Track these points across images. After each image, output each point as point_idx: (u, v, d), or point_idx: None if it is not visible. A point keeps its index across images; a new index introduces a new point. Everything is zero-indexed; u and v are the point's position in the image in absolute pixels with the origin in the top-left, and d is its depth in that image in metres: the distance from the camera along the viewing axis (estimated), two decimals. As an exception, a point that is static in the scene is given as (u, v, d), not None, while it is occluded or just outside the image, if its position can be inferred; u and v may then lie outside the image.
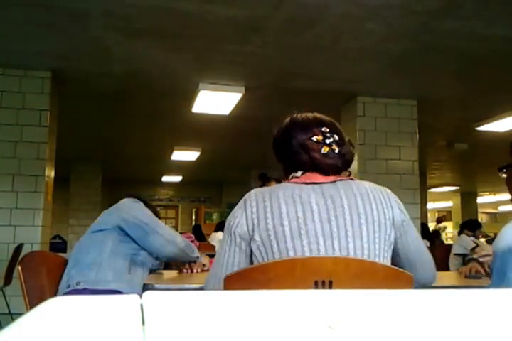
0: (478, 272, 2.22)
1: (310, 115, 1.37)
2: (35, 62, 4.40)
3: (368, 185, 1.28)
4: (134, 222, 1.98)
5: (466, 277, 2.20)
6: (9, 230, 4.39)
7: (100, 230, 1.99)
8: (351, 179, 1.29)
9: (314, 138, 1.28)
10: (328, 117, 1.38)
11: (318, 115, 1.37)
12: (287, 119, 1.39)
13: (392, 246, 1.24)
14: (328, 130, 1.30)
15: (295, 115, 1.39)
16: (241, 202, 1.25)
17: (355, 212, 1.19)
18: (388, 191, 1.30)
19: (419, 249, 1.31)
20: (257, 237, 1.17)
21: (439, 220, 15.64)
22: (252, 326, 0.35)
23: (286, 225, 1.15)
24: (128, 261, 1.94)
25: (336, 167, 1.27)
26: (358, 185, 1.26)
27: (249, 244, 1.20)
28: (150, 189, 13.45)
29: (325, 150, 1.27)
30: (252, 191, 1.26)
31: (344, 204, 1.19)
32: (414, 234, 1.30)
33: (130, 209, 2.04)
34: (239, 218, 1.22)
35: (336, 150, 1.27)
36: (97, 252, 1.91)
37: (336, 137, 1.29)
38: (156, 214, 2.14)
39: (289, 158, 1.33)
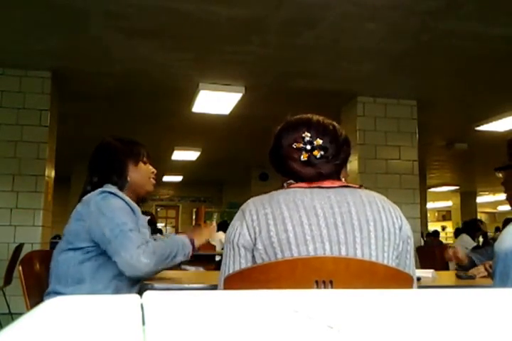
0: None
1: (303, 117, 1.24)
2: (35, 62, 4.40)
3: (377, 195, 1.20)
4: (100, 237, 1.62)
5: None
6: (9, 230, 4.39)
7: (78, 248, 1.67)
8: (359, 188, 1.20)
9: (294, 146, 1.17)
10: (321, 117, 1.24)
11: (310, 116, 1.24)
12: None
13: (399, 258, 1.16)
14: (309, 134, 1.17)
15: (288, 118, 1.26)
16: (239, 213, 1.16)
17: (364, 218, 1.11)
18: (397, 207, 1.21)
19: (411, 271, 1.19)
20: (259, 246, 1.10)
21: None
22: (252, 326, 0.35)
23: (290, 231, 1.08)
24: (114, 287, 1.66)
25: (320, 174, 1.16)
26: (367, 194, 1.18)
27: (252, 251, 1.11)
28: (150, 189, 13.43)
29: (304, 157, 1.16)
30: (249, 200, 1.17)
31: (352, 211, 1.11)
32: (412, 257, 1.21)
33: (97, 216, 1.67)
34: (239, 229, 1.12)
35: (318, 156, 1.15)
36: (75, 287, 1.64)
37: (320, 141, 1.16)
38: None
39: (277, 165, 1.24)
